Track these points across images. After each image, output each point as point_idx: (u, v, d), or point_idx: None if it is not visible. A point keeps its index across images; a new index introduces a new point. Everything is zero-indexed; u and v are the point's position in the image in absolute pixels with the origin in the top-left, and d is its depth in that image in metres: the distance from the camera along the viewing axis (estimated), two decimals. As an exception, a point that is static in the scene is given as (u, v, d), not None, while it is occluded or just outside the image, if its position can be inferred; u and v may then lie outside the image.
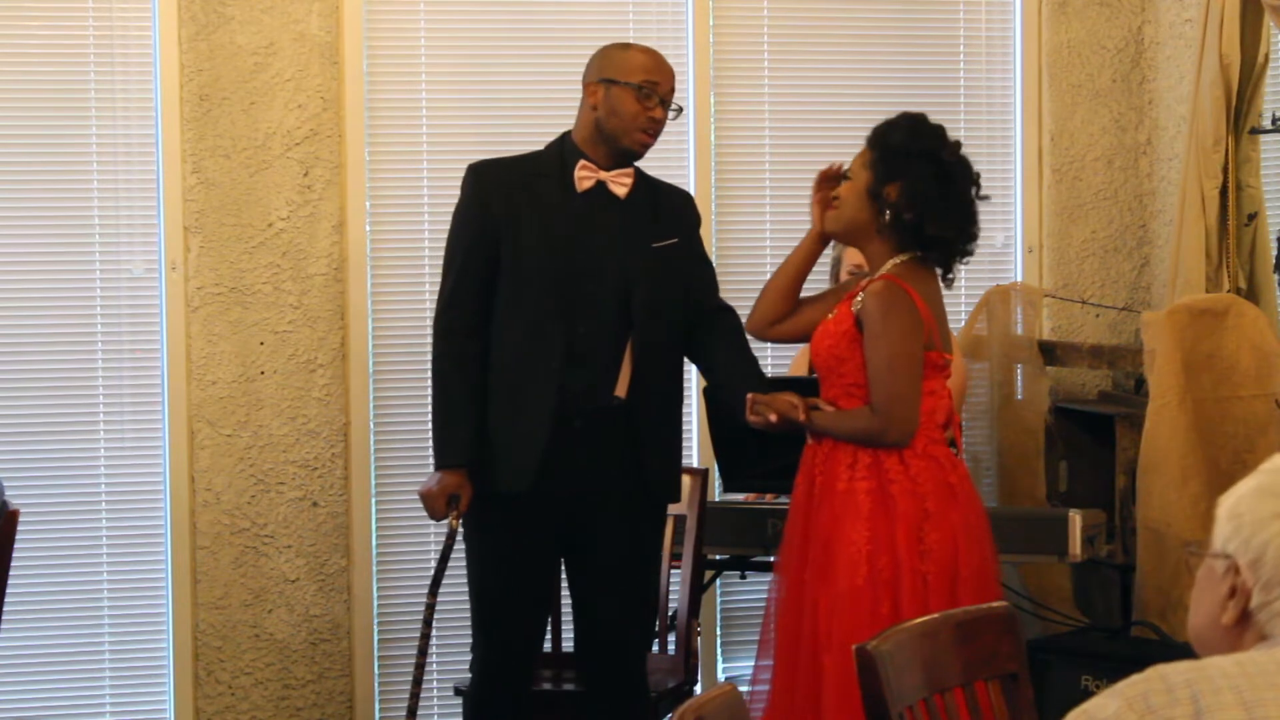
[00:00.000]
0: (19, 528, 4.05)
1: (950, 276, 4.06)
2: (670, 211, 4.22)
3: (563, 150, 4.17)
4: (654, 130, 4.11)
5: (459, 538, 4.17)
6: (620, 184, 4.13)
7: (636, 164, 4.20)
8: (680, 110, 4.20)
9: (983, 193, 4.03)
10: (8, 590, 4.02)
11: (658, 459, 4.16)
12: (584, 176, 4.12)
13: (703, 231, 4.37)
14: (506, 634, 4.15)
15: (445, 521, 4.13)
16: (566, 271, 4.07)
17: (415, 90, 5.20)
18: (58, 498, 4.99)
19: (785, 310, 4.14)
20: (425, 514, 5.09)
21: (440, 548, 4.23)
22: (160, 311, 5.02)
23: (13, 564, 4.03)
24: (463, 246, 4.14)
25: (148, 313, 5.04)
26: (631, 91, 4.07)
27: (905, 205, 3.93)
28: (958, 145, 4.01)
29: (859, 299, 3.94)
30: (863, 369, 3.91)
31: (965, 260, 4.07)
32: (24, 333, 4.98)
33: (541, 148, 4.23)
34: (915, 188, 3.92)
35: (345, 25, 5.11)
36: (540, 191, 4.12)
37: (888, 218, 3.95)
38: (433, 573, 4.21)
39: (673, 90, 4.14)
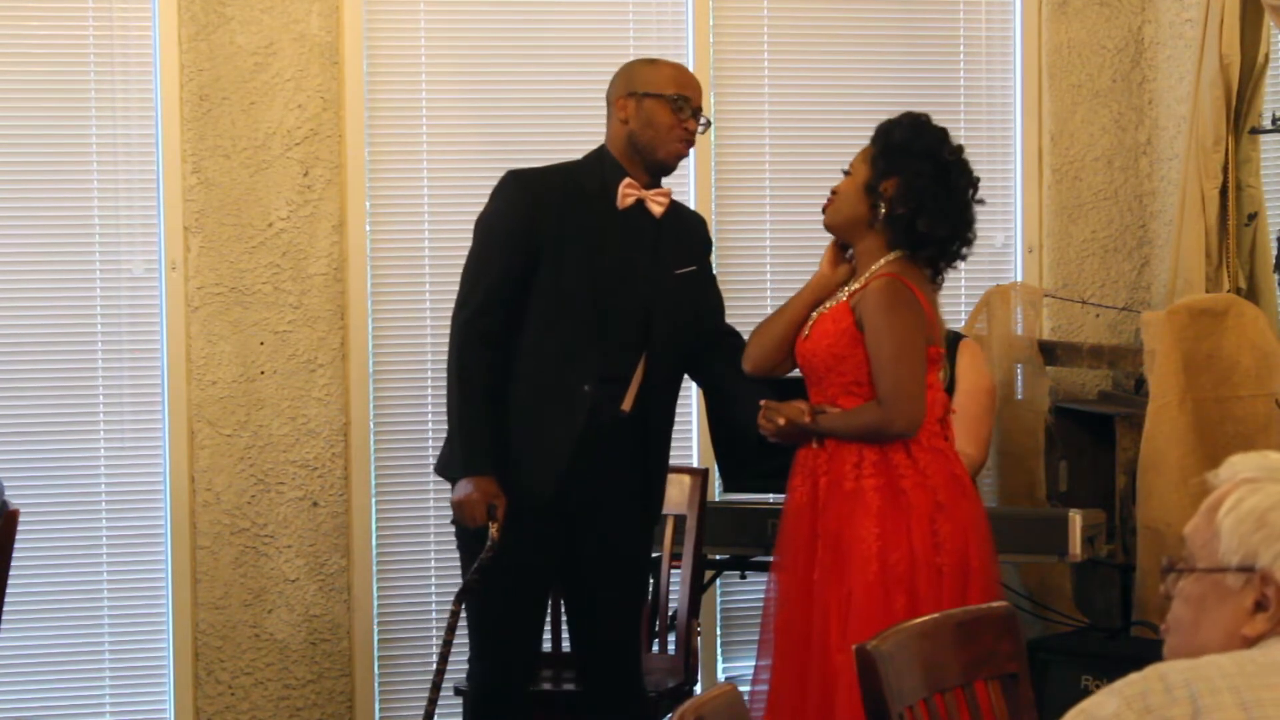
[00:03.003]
0: (19, 528, 4.05)
1: (939, 280, 4.06)
2: (690, 237, 4.23)
3: (603, 165, 4.12)
4: (690, 142, 4.10)
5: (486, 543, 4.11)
6: (658, 203, 4.11)
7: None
8: (709, 124, 4.20)
9: (979, 196, 4.03)
10: (8, 590, 4.02)
11: (660, 470, 4.21)
12: (627, 194, 4.08)
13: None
14: (507, 641, 4.15)
15: (448, 525, 4.10)
16: (601, 290, 4.05)
17: (415, 90, 5.20)
18: (58, 498, 4.99)
19: (785, 355, 4.13)
20: (425, 514, 5.15)
21: (473, 554, 4.03)
22: (160, 311, 5.02)
23: (13, 564, 4.02)
24: (502, 256, 4.05)
25: (148, 313, 5.03)
26: (667, 104, 4.05)
27: (900, 200, 3.94)
28: (959, 149, 4.02)
29: (857, 297, 3.94)
30: (863, 366, 3.91)
31: (955, 265, 4.07)
32: (24, 333, 4.98)
33: (578, 158, 4.20)
34: (911, 184, 3.93)
35: (345, 25, 5.11)
36: (584, 208, 4.07)
37: (882, 211, 3.95)
38: (463, 580, 4.10)
39: (701, 105, 4.13)
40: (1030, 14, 5.56)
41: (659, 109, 4.05)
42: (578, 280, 4.03)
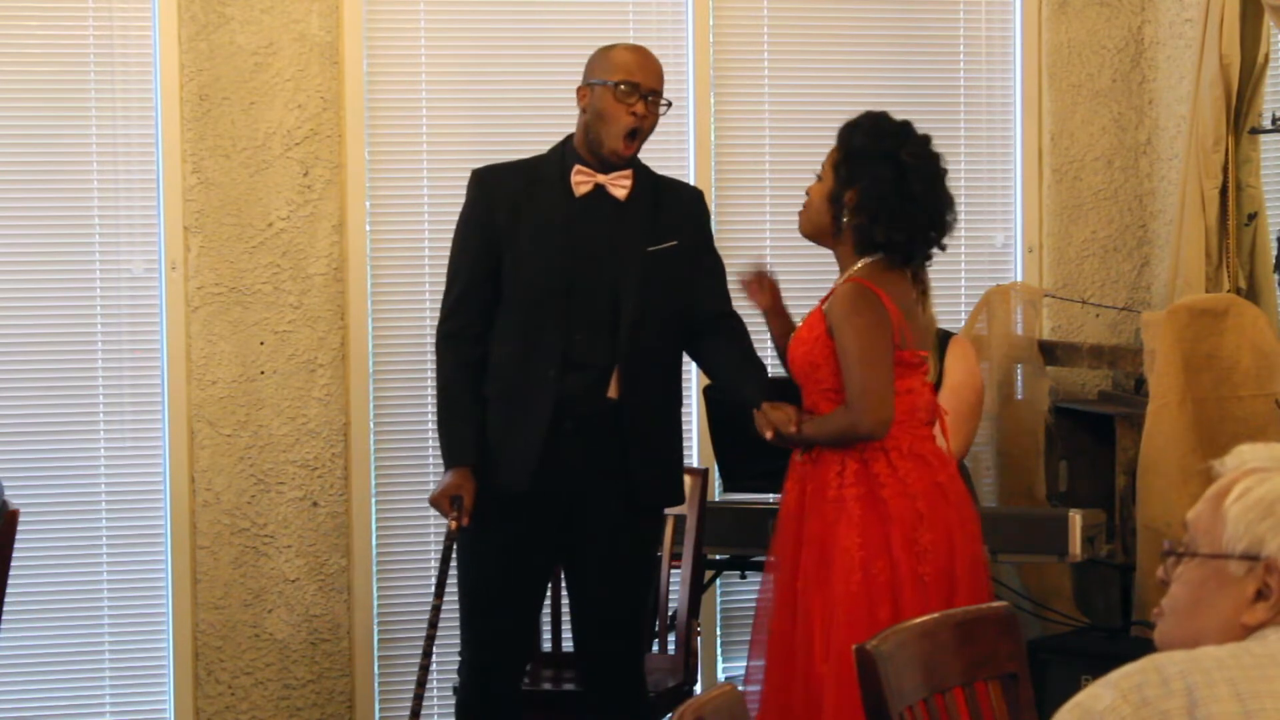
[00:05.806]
0: (19, 528, 4.05)
1: (920, 276, 4.04)
2: (672, 214, 4.19)
3: (564, 154, 4.16)
4: (638, 127, 4.06)
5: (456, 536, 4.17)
6: (619, 186, 4.12)
7: (641, 161, 4.20)
8: (670, 104, 4.17)
9: (955, 189, 4.01)
10: (8, 590, 4.02)
11: (645, 462, 4.14)
12: (581, 181, 4.11)
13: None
14: (493, 631, 4.17)
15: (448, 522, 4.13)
16: (562, 278, 4.08)
17: (415, 90, 5.20)
18: (58, 498, 4.99)
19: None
20: (425, 514, 5.15)
21: (441, 549, 4.24)
22: (160, 311, 5.02)
23: (13, 564, 4.02)
24: (468, 255, 4.16)
25: (148, 313, 5.04)
26: (610, 90, 4.05)
27: (859, 210, 3.93)
28: (924, 141, 3.98)
29: (829, 303, 3.95)
30: (839, 373, 3.90)
31: (931, 257, 4.04)
32: (24, 333, 4.98)
33: (544, 150, 4.23)
34: (870, 192, 3.92)
35: (345, 25, 5.11)
36: (540, 197, 4.12)
37: (845, 221, 3.95)
38: (436, 574, 4.20)
39: (657, 90, 4.10)
40: (1030, 14, 5.56)
41: (605, 96, 4.06)
42: (536, 267, 4.08)
